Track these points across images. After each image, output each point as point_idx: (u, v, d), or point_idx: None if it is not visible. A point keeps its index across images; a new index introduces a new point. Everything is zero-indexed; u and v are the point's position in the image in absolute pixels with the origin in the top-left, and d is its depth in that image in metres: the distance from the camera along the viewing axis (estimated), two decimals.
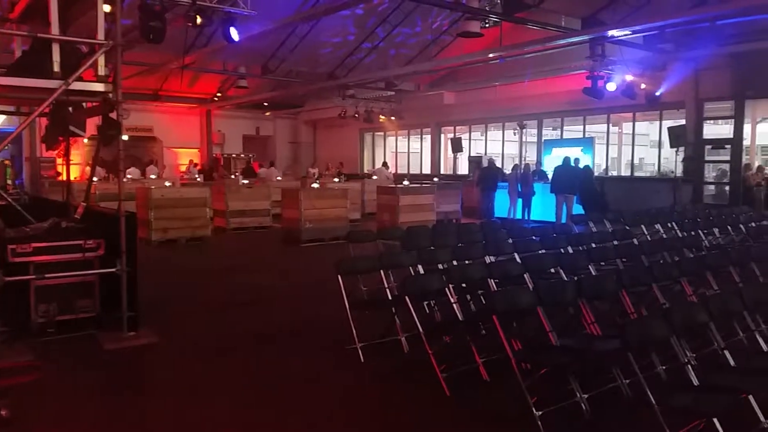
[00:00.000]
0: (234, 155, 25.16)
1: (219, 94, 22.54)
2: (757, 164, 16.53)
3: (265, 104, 24.53)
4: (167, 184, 14.30)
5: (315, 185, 13.71)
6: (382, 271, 5.80)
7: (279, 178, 19.23)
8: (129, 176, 17.38)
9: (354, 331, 5.06)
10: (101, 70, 5.77)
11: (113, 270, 5.61)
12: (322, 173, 21.64)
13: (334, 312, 5.48)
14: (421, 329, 4.67)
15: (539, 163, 18.79)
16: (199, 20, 10.31)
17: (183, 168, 22.74)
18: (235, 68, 19.19)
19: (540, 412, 3.69)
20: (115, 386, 4.69)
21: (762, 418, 3.38)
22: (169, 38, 10.98)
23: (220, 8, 10.31)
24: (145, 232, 11.61)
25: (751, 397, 3.34)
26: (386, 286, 5.75)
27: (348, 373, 4.84)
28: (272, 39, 16.14)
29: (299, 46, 16.62)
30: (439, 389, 4.30)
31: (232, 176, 19.07)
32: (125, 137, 6.35)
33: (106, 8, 5.92)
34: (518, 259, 6.26)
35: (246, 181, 15.65)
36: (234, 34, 10.60)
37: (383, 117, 22.47)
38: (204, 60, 17.23)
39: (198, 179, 19.37)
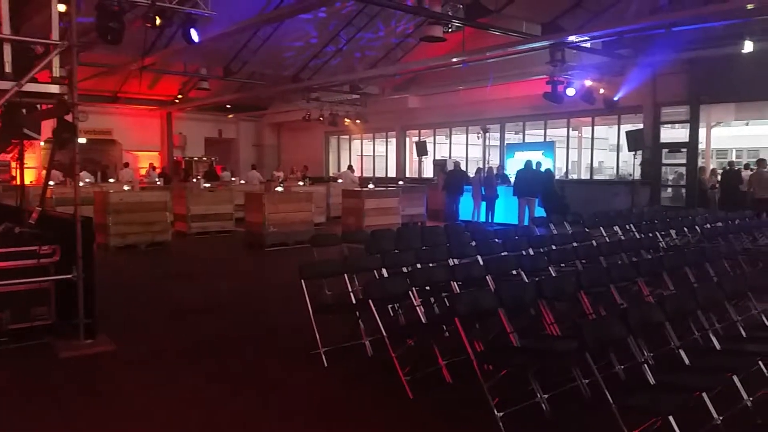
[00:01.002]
0: (196, 158, 24.80)
1: (180, 96, 22.19)
2: (711, 167, 17.07)
3: (228, 106, 24.25)
4: (126, 188, 13.98)
5: (279, 189, 13.58)
6: (346, 275, 5.78)
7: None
8: (87, 180, 17.01)
9: (317, 336, 5.03)
10: (56, 72, 5.63)
11: (69, 276, 5.46)
12: (287, 176, 21.49)
13: (297, 317, 5.44)
14: (384, 333, 4.68)
15: (502, 166, 19.04)
16: (158, 21, 10.10)
17: (143, 171, 22.28)
18: (196, 70, 18.91)
19: (501, 413, 3.72)
20: (70, 395, 4.55)
21: (715, 415, 3.48)
22: (129, 39, 10.75)
23: (180, 9, 10.14)
24: (103, 237, 11.34)
25: (704, 395, 3.45)
26: (350, 290, 5.73)
27: (311, 378, 4.81)
28: (234, 40, 15.96)
29: (262, 48, 16.46)
30: (402, 392, 4.31)
31: (194, 179, 18.77)
32: (83, 140, 6.21)
33: (61, 8, 5.78)
34: (481, 262, 6.32)
35: (208, 185, 15.41)
36: (194, 35, 10.43)
37: (348, 120, 22.44)
38: (164, 61, 16.93)
39: (158, 183, 19.03)
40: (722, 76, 14.08)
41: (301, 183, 18.29)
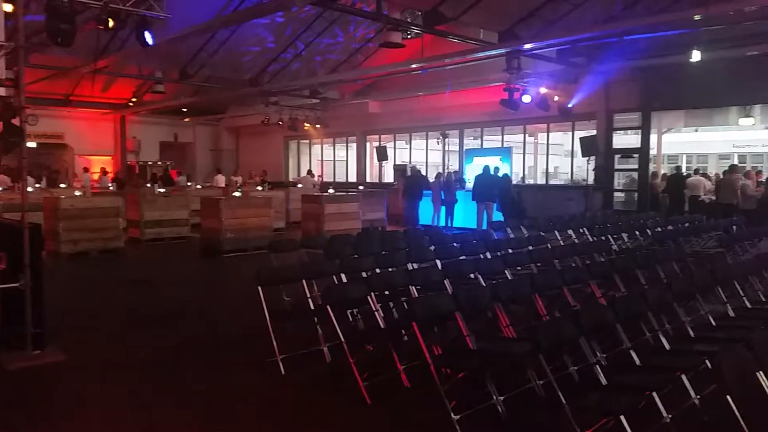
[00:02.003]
0: (150, 163, 24.28)
1: (134, 100, 21.71)
2: (662, 172, 17.61)
3: (184, 110, 23.83)
4: (77, 193, 13.57)
5: (237, 194, 13.40)
6: (304, 281, 5.74)
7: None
8: (37, 185, 16.47)
9: (275, 343, 4.97)
10: (2, 73, 5.44)
11: (16, 285, 5.26)
12: (246, 181, 21.23)
13: (254, 324, 5.36)
14: (343, 338, 4.66)
15: (461, 171, 19.25)
16: (111, 23, 9.86)
17: (95, 176, 21.71)
18: (151, 73, 18.51)
19: (458, 416, 3.75)
20: (17, 408, 4.38)
21: (665, 414, 3.57)
22: (81, 41, 10.46)
23: (134, 11, 9.92)
24: (53, 244, 10.99)
25: (654, 394, 3.54)
26: (308, 296, 5.69)
27: (267, 386, 4.75)
28: (191, 43, 15.70)
29: (219, 51, 16.25)
30: (360, 398, 4.29)
31: (148, 184, 18.37)
32: (32, 144, 6.00)
33: (7, 7, 5.61)
34: (439, 266, 6.37)
35: (162, 190, 15.09)
36: (148, 38, 10.21)
37: (308, 125, 22.32)
38: (118, 64, 16.54)
39: (111, 188, 18.56)
40: (672, 84, 14.55)
41: (259, 188, 18.10)
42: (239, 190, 14.99)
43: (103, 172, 21.62)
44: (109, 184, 19.68)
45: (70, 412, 4.34)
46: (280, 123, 21.48)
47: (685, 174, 16.61)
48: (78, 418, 4.24)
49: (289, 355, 5.01)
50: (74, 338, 5.96)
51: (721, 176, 14.90)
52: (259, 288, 5.19)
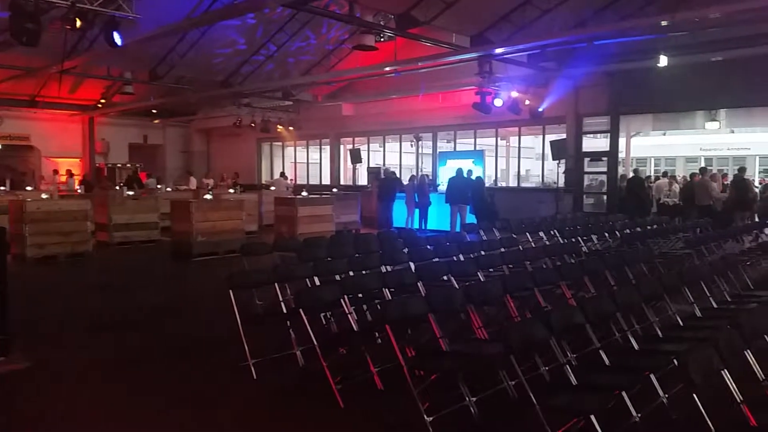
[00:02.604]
0: (119, 165, 23.87)
1: (103, 101, 21.32)
2: (620, 175, 17.91)
3: (154, 111, 23.50)
4: (44, 196, 13.27)
5: (208, 196, 13.24)
6: (276, 284, 5.69)
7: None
8: (2, 188, 16.09)
9: (246, 347, 4.92)
10: None
11: None
12: (217, 184, 21.00)
13: (226, 328, 5.30)
14: (315, 342, 4.63)
15: (434, 174, 19.34)
16: (79, 23, 9.69)
17: (63, 178, 21.27)
18: (120, 74, 18.20)
19: (430, 418, 3.76)
20: None
21: (634, 413, 3.63)
22: (48, 41, 10.25)
23: (102, 11, 9.76)
24: (19, 248, 10.74)
25: (624, 393, 3.59)
26: (281, 299, 5.65)
27: (239, 391, 4.69)
28: (161, 44, 15.49)
29: (190, 52, 16.06)
30: (333, 401, 4.27)
31: (117, 187, 18.06)
32: None
33: None
34: (413, 268, 6.38)
35: (131, 193, 14.84)
36: (117, 38, 10.06)
37: (281, 127, 22.18)
38: (86, 64, 16.23)
39: (78, 190, 18.20)
40: (640, 89, 14.84)
41: (231, 190, 17.92)
42: (210, 192, 14.82)
43: (69, 174, 21.17)
44: (77, 187, 19.28)
45: (35, 421, 4.23)
46: (253, 125, 21.32)
47: (646, 176, 16.95)
48: (42, 427, 4.13)
49: (262, 360, 4.96)
50: (40, 344, 5.82)
51: (688, 179, 15.24)
52: (231, 292, 5.13)
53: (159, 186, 20.13)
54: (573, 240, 9.15)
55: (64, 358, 5.58)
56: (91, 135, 23.45)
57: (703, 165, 24.25)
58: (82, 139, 23.52)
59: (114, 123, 24.08)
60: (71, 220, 11.45)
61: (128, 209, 13.38)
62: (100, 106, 21.64)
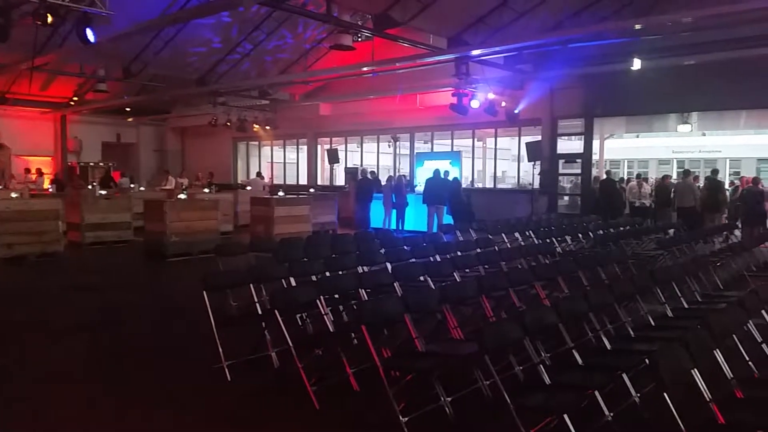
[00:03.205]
0: (92, 164, 23.47)
1: (75, 99, 20.93)
2: (593, 176, 18.17)
3: (128, 110, 23.15)
4: (14, 195, 12.99)
5: (182, 196, 13.09)
6: (251, 285, 5.64)
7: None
8: None
9: (220, 349, 4.87)
10: None
11: None
12: (192, 183, 20.76)
13: (199, 330, 5.24)
14: (291, 343, 4.60)
15: (411, 175, 19.39)
16: (50, 19, 9.50)
17: (33, 177, 20.83)
18: (93, 71, 17.92)
19: (406, 418, 3.76)
20: None
21: (606, 412, 3.67)
22: (18, 37, 10.03)
23: (74, 7, 9.58)
24: None
25: (596, 393, 3.63)
26: (256, 300, 5.60)
27: (213, 393, 4.64)
28: (135, 41, 15.26)
29: (165, 49, 15.85)
30: (308, 403, 4.25)
31: (89, 186, 17.74)
32: None
33: None
34: (389, 269, 6.38)
35: (104, 192, 14.60)
36: (90, 35, 9.88)
37: (257, 126, 22.00)
38: (58, 61, 15.93)
39: (50, 189, 17.85)
40: (614, 91, 15.04)
41: (206, 190, 17.73)
42: (185, 192, 14.65)
43: (39, 173, 20.74)
44: (49, 186, 18.91)
45: (5, 421, 4.13)
46: (228, 124, 21.09)
47: (619, 178, 17.20)
48: (12, 428, 4.03)
49: (236, 361, 4.90)
50: (7, 347, 5.68)
51: (660, 180, 15.49)
52: (205, 293, 5.07)
53: (132, 185, 19.82)
54: (548, 241, 9.25)
55: (35, 359, 5.47)
56: (63, 133, 23.02)
57: (675, 167, 24.73)
58: (54, 137, 23.08)
59: (87, 121, 23.65)
60: (42, 219, 11.22)
61: (101, 209, 13.15)
62: (72, 103, 21.24)
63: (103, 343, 6.04)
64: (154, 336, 6.32)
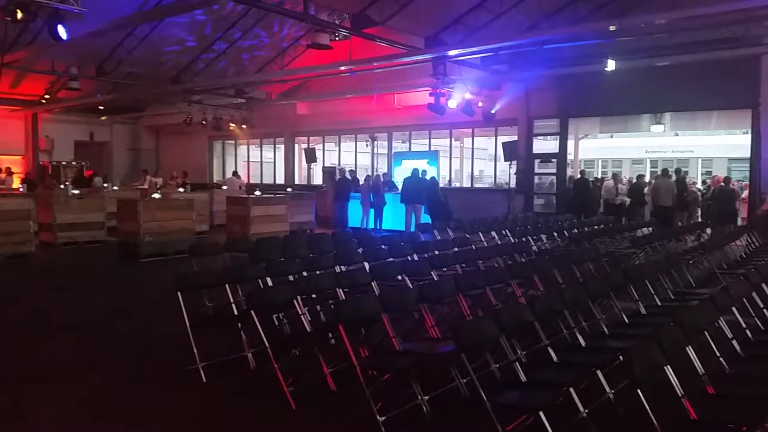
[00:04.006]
0: (64, 163, 23.06)
1: (47, 96, 20.53)
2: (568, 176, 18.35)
3: (101, 108, 22.79)
4: None
5: (156, 195, 12.91)
6: (227, 286, 5.58)
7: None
8: None
9: (195, 350, 4.81)
10: None
11: None
12: (166, 183, 20.49)
13: (174, 331, 5.16)
14: (267, 343, 4.57)
15: (390, 174, 19.40)
16: (20, 15, 9.29)
17: (2, 176, 20.38)
18: (66, 69, 17.58)
19: (383, 418, 3.75)
20: None
21: (581, 408, 3.70)
22: None
23: (45, 4, 9.39)
24: None
25: (571, 390, 3.66)
26: (232, 300, 5.54)
27: (188, 394, 4.59)
28: (109, 39, 15.06)
29: (139, 47, 15.65)
30: (285, 403, 4.22)
31: (62, 186, 17.42)
32: None
33: None
34: (367, 268, 6.37)
35: (77, 192, 14.34)
36: (62, 32, 9.69)
37: (233, 125, 21.79)
38: (29, 58, 15.62)
39: (21, 189, 17.49)
40: (588, 92, 15.23)
41: (181, 189, 17.52)
42: (159, 191, 14.46)
43: (9, 172, 20.29)
44: (20, 186, 18.52)
45: None
46: (204, 122, 20.86)
47: (594, 178, 17.41)
48: None
49: (211, 363, 4.85)
50: None
51: (635, 180, 15.71)
52: (179, 293, 5.00)
53: (106, 185, 19.51)
54: (524, 239, 9.32)
55: (5, 362, 5.34)
56: (35, 132, 22.59)
57: (648, 167, 25.11)
58: (25, 135, 22.64)
59: (59, 119, 23.24)
60: (13, 219, 10.98)
61: (73, 208, 12.91)
62: (44, 101, 20.84)
63: (74, 345, 5.92)
64: (126, 337, 6.21)
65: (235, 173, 21.49)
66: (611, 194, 14.95)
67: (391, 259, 7.02)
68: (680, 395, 3.26)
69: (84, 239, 12.83)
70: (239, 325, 5.01)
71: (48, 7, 9.58)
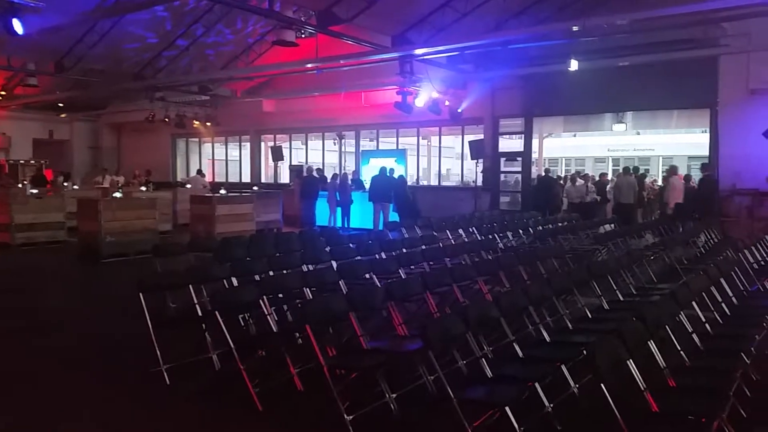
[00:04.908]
0: (22, 161, 22.39)
1: (3, 93, 19.88)
2: (542, 175, 18.61)
3: (61, 105, 22.20)
4: None
5: (118, 194, 12.62)
6: (191, 286, 5.48)
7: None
8: None
9: (158, 352, 4.71)
10: None
11: None
12: (129, 181, 20.06)
13: (136, 333, 5.04)
14: (232, 344, 4.50)
15: (357, 172, 19.36)
16: None
17: None
18: (23, 64, 17.05)
19: (350, 417, 3.73)
20: None
21: (546, 403, 3.75)
22: None
23: None
24: None
25: (537, 385, 3.70)
26: (196, 301, 5.44)
27: (152, 397, 4.49)
28: (68, 34, 14.65)
29: (100, 43, 15.27)
30: (251, 405, 4.16)
31: (20, 185, 16.90)
32: None
33: None
34: (335, 267, 6.33)
35: (36, 191, 13.93)
36: (18, 26, 9.39)
37: (197, 122, 21.43)
38: None
39: None
40: (552, 92, 15.44)
41: (143, 188, 17.17)
42: (120, 190, 14.14)
43: None
44: None
45: None
46: (167, 120, 20.45)
47: (557, 176, 17.68)
48: None
49: (175, 365, 4.75)
50: None
51: (597, 178, 15.98)
52: (141, 294, 4.89)
53: (66, 184, 19.00)
54: (490, 237, 9.41)
55: None
56: None
57: (611, 165, 25.58)
58: None
59: (16, 117, 22.55)
60: None
61: (32, 208, 12.53)
62: (0, 98, 20.19)
63: (33, 348, 5.75)
64: (87, 340, 6.04)
65: (199, 171, 21.16)
66: (581, 192, 15.13)
67: (359, 258, 7.00)
68: (642, 388, 3.33)
69: (43, 240, 12.48)
70: (203, 326, 4.93)
71: (3, 1, 9.28)
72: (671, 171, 13.92)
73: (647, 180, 16.70)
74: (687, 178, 14.54)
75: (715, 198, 13.13)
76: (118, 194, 12.59)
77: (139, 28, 15.25)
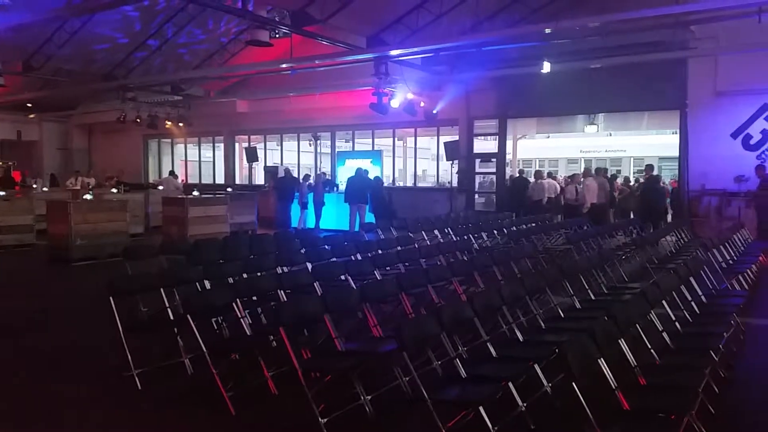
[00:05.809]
0: None
1: None
2: (516, 176, 18.76)
3: (29, 105, 21.72)
4: None
5: (88, 196, 12.39)
6: (162, 289, 5.39)
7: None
8: None
9: (129, 356, 4.63)
10: None
11: None
12: (100, 183, 19.70)
13: (106, 337, 4.96)
14: (205, 348, 4.44)
15: (333, 173, 19.30)
16: None
17: None
18: None
19: (325, 419, 3.71)
20: None
21: (520, 402, 3.77)
22: None
23: None
24: None
25: (510, 384, 3.72)
26: (167, 305, 5.36)
27: (122, 402, 4.41)
28: (37, 32, 14.37)
29: (70, 42, 14.99)
30: (224, 409, 4.11)
31: None
32: None
33: None
34: (310, 269, 6.30)
35: (3, 193, 13.61)
36: None
37: (170, 123, 21.11)
38: None
39: None
40: (525, 94, 15.58)
41: (114, 190, 16.89)
42: (91, 192, 13.88)
43: None
44: None
45: None
46: (138, 120, 20.11)
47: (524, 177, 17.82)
48: None
49: (146, 369, 4.68)
50: None
51: (569, 179, 16.15)
52: (111, 298, 4.80)
53: (34, 186, 18.60)
54: (465, 237, 9.46)
55: None
56: None
57: (583, 166, 25.90)
58: None
59: None
60: None
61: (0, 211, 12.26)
62: None
63: (1, 353, 5.61)
64: (57, 345, 5.92)
65: (171, 173, 20.88)
66: (571, 193, 15.21)
67: (335, 259, 6.98)
68: (614, 387, 3.37)
69: (11, 243, 12.21)
70: (175, 330, 4.86)
71: None
72: (585, 172, 14.27)
73: (618, 181, 16.93)
74: (613, 178, 14.66)
75: (658, 198, 13.45)
76: (88, 196, 12.35)
77: (108, 29, 15.01)
